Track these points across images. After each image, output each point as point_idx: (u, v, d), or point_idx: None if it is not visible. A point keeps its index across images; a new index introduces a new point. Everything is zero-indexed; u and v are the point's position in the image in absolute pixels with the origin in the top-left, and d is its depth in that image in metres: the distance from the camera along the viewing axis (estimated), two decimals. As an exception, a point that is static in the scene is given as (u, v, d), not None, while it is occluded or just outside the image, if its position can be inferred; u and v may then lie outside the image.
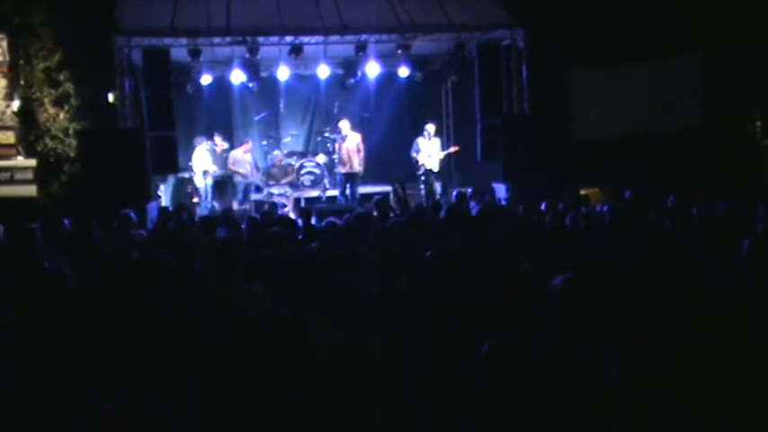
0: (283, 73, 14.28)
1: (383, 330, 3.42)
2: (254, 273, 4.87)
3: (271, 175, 13.78)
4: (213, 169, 13.56)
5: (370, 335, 3.38)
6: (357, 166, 13.29)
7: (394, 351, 3.23)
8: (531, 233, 6.29)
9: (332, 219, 7.42)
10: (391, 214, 9.23)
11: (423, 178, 13.43)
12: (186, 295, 4.34)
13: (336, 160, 13.71)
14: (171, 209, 10.85)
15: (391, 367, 3.14)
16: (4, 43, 11.91)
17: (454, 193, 11.43)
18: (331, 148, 14.12)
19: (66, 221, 7.67)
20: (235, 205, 13.32)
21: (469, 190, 12.60)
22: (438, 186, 13.50)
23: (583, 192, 11.55)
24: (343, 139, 13.32)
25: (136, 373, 3.11)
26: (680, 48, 13.69)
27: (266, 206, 11.75)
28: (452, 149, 13.93)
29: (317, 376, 3.04)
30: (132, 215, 8.64)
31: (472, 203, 10.02)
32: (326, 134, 14.49)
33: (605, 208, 7.79)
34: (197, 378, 3.17)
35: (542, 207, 8.40)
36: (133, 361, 3.21)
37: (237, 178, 13.63)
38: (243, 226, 7.91)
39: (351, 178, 13.36)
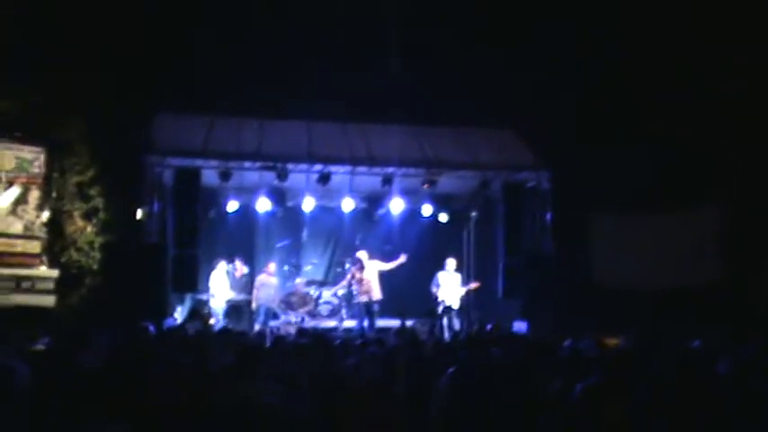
0: (308, 204, 14.44)
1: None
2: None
3: (289, 302, 13.71)
4: (231, 294, 13.49)
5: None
6: (377, 294, 13.18)
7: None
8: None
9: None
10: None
11: (442, 314, 13.25)
12: (200, 391, 4.24)
13: (355, 291, 13.59)
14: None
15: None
16: (42, 156, 12.16)
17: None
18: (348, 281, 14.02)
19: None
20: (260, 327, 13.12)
21: (489, 326, 12.42)
22: (457, 322, 13.28)
23: (604, 341, 11.27)
24: (360, 269, 13.27)
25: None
26: (699, 199, 13.75)
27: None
28: (473, 285, 13.80)
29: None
30: (151, 328, 8.61)
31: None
32: (347, 265, 14.48)
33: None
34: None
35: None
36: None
37: (260, 301, 13.49)
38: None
39: (370, 307, 13.19)
